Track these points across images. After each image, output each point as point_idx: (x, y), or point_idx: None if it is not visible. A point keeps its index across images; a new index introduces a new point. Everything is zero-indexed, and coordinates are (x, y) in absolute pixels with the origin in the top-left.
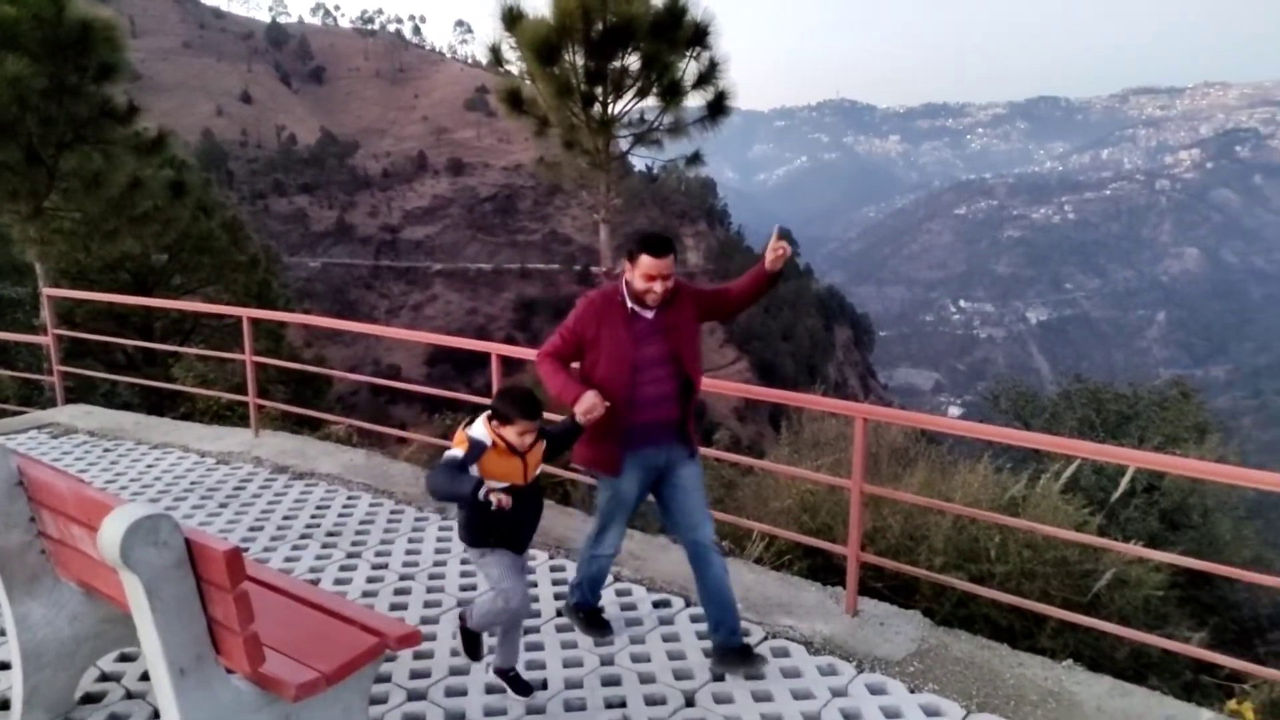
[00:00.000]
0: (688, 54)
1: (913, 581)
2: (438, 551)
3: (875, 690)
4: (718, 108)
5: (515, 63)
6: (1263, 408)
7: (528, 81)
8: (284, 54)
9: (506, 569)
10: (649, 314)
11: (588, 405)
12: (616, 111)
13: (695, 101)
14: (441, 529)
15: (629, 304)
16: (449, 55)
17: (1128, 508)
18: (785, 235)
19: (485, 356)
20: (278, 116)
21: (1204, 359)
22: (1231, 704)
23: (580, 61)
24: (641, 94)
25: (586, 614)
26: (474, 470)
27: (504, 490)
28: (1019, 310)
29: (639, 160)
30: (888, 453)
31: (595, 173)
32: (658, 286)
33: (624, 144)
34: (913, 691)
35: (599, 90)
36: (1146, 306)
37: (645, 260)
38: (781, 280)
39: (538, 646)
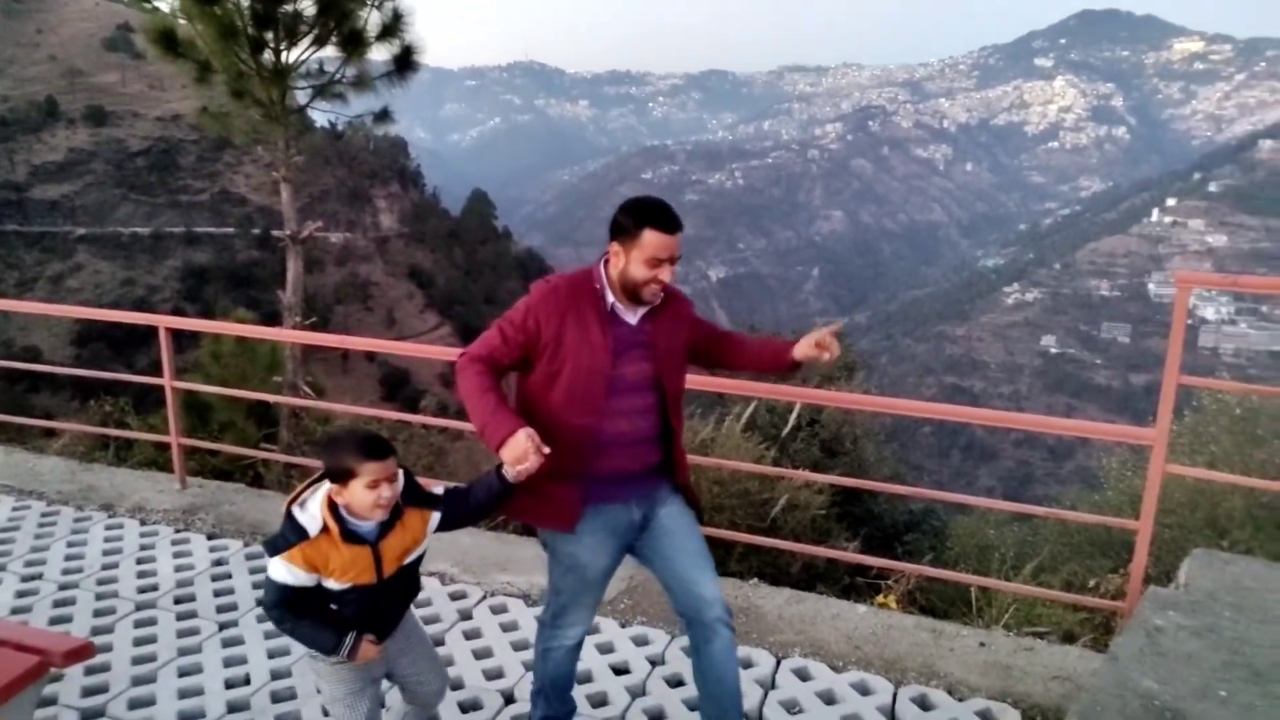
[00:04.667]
0: (369, 2)
1: None
2: (106, 553)
3: (591, 630)
4: (405, 62)
5: None
6: (894, 348)
7: (183, 21)
8: None
9: (348, 688)
10: (632, 318)
11: (519, 453)
12: (292, 60)
13: (380, 55)
14: (109, 528)
15: (609, 298)
16: None
17: (796, 440)
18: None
19: (150, 331)
20: None
21: (849, 308)
22: (880, 598)
23: (246, 2)
24: (319, 42)
25: None
26: (299, 572)
27: (347, 592)
28: (701, 269)
29: (321, 115)
30: None
31: (271, 126)
32: (665, 274)
33: (303, 96)
34: (624, 626)
35: (270, 35)
36: (804, 263)
37: (652, 238)
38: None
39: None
